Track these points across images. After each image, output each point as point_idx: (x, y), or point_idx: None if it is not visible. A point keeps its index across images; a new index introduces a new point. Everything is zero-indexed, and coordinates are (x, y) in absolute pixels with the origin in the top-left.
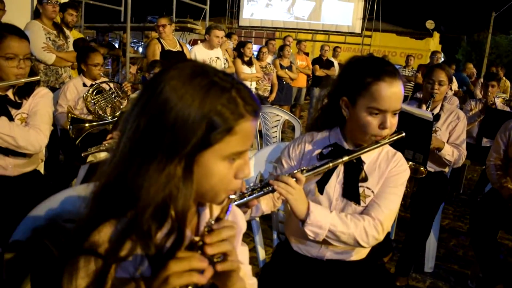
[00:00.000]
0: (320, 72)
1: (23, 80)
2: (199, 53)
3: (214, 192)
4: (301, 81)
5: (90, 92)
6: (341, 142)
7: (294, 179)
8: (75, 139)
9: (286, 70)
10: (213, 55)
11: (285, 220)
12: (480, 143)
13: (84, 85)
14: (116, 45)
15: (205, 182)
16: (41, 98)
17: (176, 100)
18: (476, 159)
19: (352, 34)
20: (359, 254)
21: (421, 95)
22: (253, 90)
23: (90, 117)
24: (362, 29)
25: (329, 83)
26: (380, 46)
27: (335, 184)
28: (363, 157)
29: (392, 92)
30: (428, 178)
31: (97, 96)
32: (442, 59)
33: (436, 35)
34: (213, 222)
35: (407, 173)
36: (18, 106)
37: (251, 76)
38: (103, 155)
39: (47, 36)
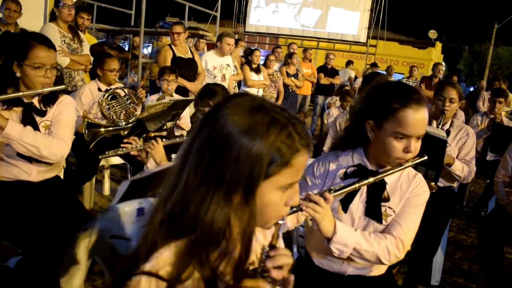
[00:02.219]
0: (324, 80)
1: (48, 89)
2: (210, 60)
3: (266, 219)
4: (306, 89)
5: (105, 97)
6: (365, 162)
7: (322, 198)
8: (89, 143)
9: (292, 78)
10: (223, 62)
11: (305, 235)
12: (484, 156)
13: (99, 90)
14: (126, 48)
15: (260, 210)
16: (65, 107)
17: (238, 136)
18: (479, 172)
19: (357, 43)
20: (378, 270)
21: (431, 110)
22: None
23: (103, 122)
24: (368, 38)
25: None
26: (383, 54)
27: (358, 203)
28: (385, 177)
29: (417, 119)
30: (437, 193)
31: (112, 101)
32: (444, 69)
33: (438, 45)
34: (267, 248)
35: (427, 194)
36: (42, 113)
37: (258, 83)
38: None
39: (62, 39)
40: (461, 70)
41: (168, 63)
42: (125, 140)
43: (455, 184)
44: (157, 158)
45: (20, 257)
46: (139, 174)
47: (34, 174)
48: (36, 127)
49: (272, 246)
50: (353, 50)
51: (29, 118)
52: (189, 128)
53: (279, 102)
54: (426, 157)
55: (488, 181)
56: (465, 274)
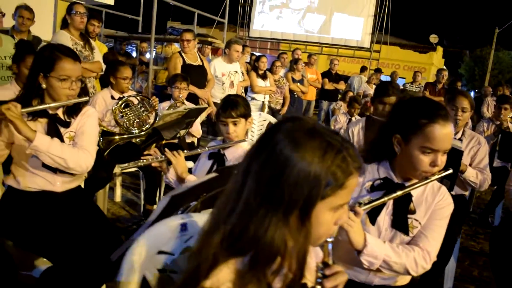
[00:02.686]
0: (329, 86)
1: (73, 100)
2: (219, 66)
3: (317, 237)
4: (311, 94)
5: (118, 105)
6: (391, 175)
7: (353, 212)
8: (103, 151)
9: (298, 83)
10: (232, 68)
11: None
12: (491, 163)
13: (112, 97)
14: (134, 54)
15: (313, 230)
16: (88, 118)
17: (297, 160)
18: None
19: (361, 48)
20: (403, 280)
21: None
22: (266, 103)
23: (117, 129)
24: (371, 43)
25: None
26: (385, 58)
27: (384, 215)
28: (411, 190)
29: (444, 134)
30: None
31: (126, 109)
32: (447, 75)
33: (440, 49)
34: (322, 266)
35: (451, 206)
36: (67, 125)
37: (265, 90)
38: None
39: (74, 47)
40: (462, 75)
41: (179, 70)
42: (146, 152)
43: (467, 192)
44: (178, 169)
45: (45, 266)
46: (178, 188)
47: (58, 184)
48: (61, 138)
49: (325, 264)
50: (356, 55)
51: (54, 129)
52: (200, 135)
53: (285, 108)
54: (451, 170)
55: (495, 187)
56: (476, 281)
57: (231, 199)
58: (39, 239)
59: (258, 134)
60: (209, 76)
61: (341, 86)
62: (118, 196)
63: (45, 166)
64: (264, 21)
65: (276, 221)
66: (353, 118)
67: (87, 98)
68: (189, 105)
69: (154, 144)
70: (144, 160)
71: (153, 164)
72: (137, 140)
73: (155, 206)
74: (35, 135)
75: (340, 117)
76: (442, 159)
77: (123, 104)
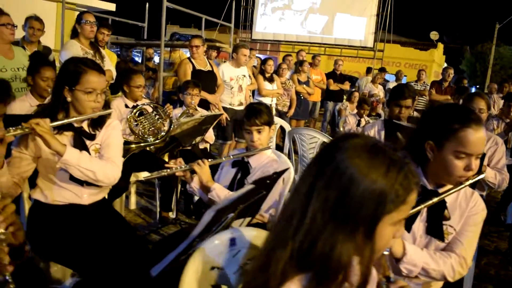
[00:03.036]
0: (334, 87)
1: (99, 113)
2: (227, 71)
3: (378, 251)
4: (316, 95)
5: (133, 113)
6: (424, 182)
7: None
8: None
9: (304, 85)
10: (239, 73)
11: None
12: None
13: (126, 106)
14: (139, 60)
15: (376, 244)
16: (113, 130)
17: (361, 179)
18: None
19: (364, 48)
20: (437, 285)
21: None
22: (273, 105)
23: (131, 138)
24: (375, 42)
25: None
26: (385, 57)
27: (419, 222)
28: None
29: (478, 138)
30: None
31: (140, 117)
32: (453, 73)
33: (440, 46)
34: (385, 280)
35: (484, 212)
36: (92, 137)
37: (272, 93)
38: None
39: (84, 56)
40: (464, 71)
41: (189, 77)
42: (171, 162)
43: (485, 193)
44: (203, 178)
45: (75, 279)
46: (221, 203)
47: (85, 197)
48: (87, 151)
49: (388, 278)
50: (360, 55)
51: (80, 142)
52: (213, 141)
53: (292, 109)
54: (484, 174)
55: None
56: (493, 279)
57: (296, 217)
58: (69, 253)
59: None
60: (219, 81)
61: (346, 86)
62: (133, 204)
63: (73, 179)
64: (267, 23)
65: (343, 238)
66: (362, 119)
67: (111, 110)
68: (203, 112)
69: (173, 152)
70: (168, 170)
71: (177, 174)
72: (151, 147)
73: (170, 213)
74: (65, 149)
75: (350, 119)
76: (476, 163)
77: (138, 112)
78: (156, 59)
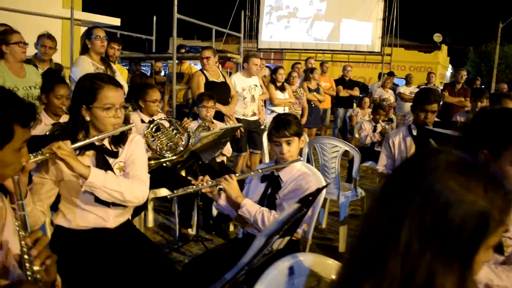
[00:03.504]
0: (344, 93)
1: (120, 129)
2: (238, 81)
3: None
4: (326, 102)
5: (150, 128)
6: None
7: None
8: None
9: (314, 93)
10: (251, 82)
11: None
12: None
13: (142, 121)
14: (147, 74)
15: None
16: (136, 145)
17: (459, 201)
18: None
19: (371, 53)
20: None
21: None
22: None
23: (148, 154)
24: (382, 47)
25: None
26: (392, 61)
27: None
28: None
29: None
30: None
31: (157, 133)
32: (466, 75)
33: (444, 48)
34: None
35: None
36: (115, 155)
37: (285, 102)
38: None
39: (96, 71)
40: (469, 71)
41: (202, 89)
42: (199, 178)
43: None
44: (232, 194)
45: None
46: (270, 227)
47: (111, 219)
48: (111, 170)
49: None
50: (367, 60)
51: (103, 161)
52: (230, 154)
53: (304, 118)
54: None
55: None
56: None
57: (382, 244)
58: (96, 280)
59: None
60: (233, 92)
61: (356, 92)
62: (150, 221)
63: (98, 201)
64: (272, 32)
65: (444, 265)
66: (378, 125)
67: (133, 124)
68: (220, 124)
69: (192, 167)
70: (194, 186)
71: (203, 190)
72: (167, 163)
73: (190, 230)
74: (90, 171)
75: (365, 125)
76: None
77: (155, 127)
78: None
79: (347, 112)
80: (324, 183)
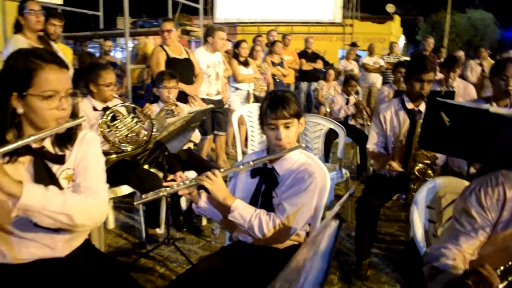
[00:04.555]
0: (307, 66)
1: (65, 125)
2: (202, 58)
3: None
4: (290, 77)
5: (105, 117)
6: None
7: None
8: None
9: (278, 67)
10: (216, 59)
11: None
12: None
13: (95, 109)
14: (97, 55)
15: None
16: (89, 146)
17: None
18: None
19: (333, 24)
20: None
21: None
22: (251, 91)
23: (105, 147)
24: (343, 18)
25: None
26: (346, 33)
27: None
28: None
29: None
30: None
31: (114, 122)
32: (433, 42)
33: (397, 18)
34: None
35: None
36: (60, 160)
37: (250, 77)
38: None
39: None
40: (420, 41)
41: (163, 66)
42: (169, 178)
43: None
44: (219, 196)
45: None
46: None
47: (59, 246)
48: (55, 182)
49: None
50: (329, 32)
51: (43, 170)
52: (199, 140)
53: None
54: None
55: None
56: None
57: None
58: None
59: (258, 129)
60: (197, 70)
61: (319, 65)
62: (111, 223)
63: (39, 225)
64: (229, 6)
65: None
66: (351, 98)
67: (83, 118)
68: (186, 108)
69: (158, 159)
70: (167, 188)
71: (180, 192)
72: (138, 158)
73: (158, 230)
74: (22, 189)
75: (337, 98)
76: None
77: (110, 116)
78: (118, 54)
79: (310, 86)
80: (328, 174)
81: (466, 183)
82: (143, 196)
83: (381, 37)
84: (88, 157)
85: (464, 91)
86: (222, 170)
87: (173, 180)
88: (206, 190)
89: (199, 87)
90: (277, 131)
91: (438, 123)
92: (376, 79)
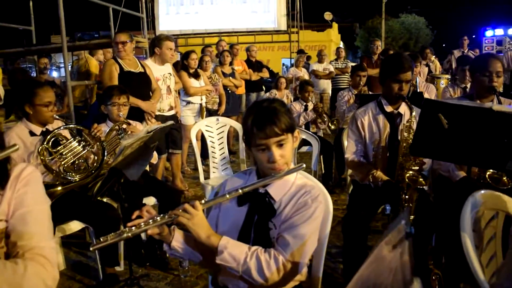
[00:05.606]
0: (255, 76)
1: None
2: (152, 71)
3: None
4: (241, 88)
5: (45, 143)
6: None
7: None
8: None
9: (230, 77)
10: (165, 71)
11: None
12: None
13: (32, 133)
14: (33, 74)
15: None
16: (27, 187)
17: None
18: None
19: (278, 32)
20: None
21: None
22: (203, 104)
23: (47, 178)
24: (288, 27)
25: None
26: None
27: None
28: None
29: None
30: None
31: (58, 147)
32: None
33: (335, 26)
34: None
35: None
36: None
37: (202, 90)
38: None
39: None
40: (359, 47)
41: (116, 81)
42: (134, 215)
43: None
44: (201, 233)
45: None
46: None
47: None
48: None
49: None
50: (274, 40)
51: None
52: (156, 161)
53: (223, 107)
54: None
55: None
56: None
57: None
58: None
59: (219, 145)
60: (154, 84)
61: (266, 74)
62: (61, 264)
63: None
64: (171, 20)
65: None
66: (309, 104)
67: (17, 146)
68: (140, 126)
69: (113, 188)
70: (133, 228)
71: (149, 232)
72: (90, 187)
73: (118, 268)
74: None
75: (295, 106)
76: None
77: (52, 140)
78: (54, 73)
79: (259, 96)
80: (329, 196)
81: (506, 197)
82: (102, 239)
83: (322, 44)
84: (26, 203)
85: (426, 90)
86: (203, 201)
87: (139, 217)
88: (181, 227)
89: (156, 103)
90: (269, 153)
91: (434, 126)
92: (327, 85)
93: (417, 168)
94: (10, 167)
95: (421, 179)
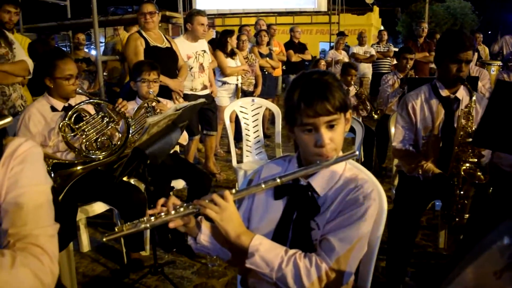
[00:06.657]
0: (296, 58)
1: None
2: (182, 48)
3: None
4: (278, 69)
5: (67, 119)
6: None
7: None
8: (58, 193)
9: (267, 58)
10: (198, 48)
11: None
12: None
13: (53, 109)
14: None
15: None
16: (23, 165)
17: None
18: None
19: (318, 13)
20: None
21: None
22: (239, 85)
23: (69, 156)
24: (329, 8)
25: None
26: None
27: None
28: None
29: None
30: None
31: (80, 124)
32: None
33: (376, 9)
34: None
35: None
36: None
37: (237, 70)
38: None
39: None
40: (400, 32)
41: (141, 56)
42: (159, 203)
43: None
44: (231, 231)
45: None
46: None
47: None
48: None
49: None
50: (314, 22)
51: None
52: (186, 142)
53: (259, 88)
54: None
55: None
56: None
57: None
58: None
59: (254, 127)
60: (181, 61)
61: (308, 56)
62: (86, 246)
63: None
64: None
65: None
66: (351, 88)
67: (10, 118)
68: (170, 104)
69: (139, 169)
70: (153, 219)
71: (171, 225)
72: (114, 168)
73: (143, 252)
74: None
75: None
76: None
77: (74, 116)
78: (93, 52)
79: None
80: (383, 192)
81: None
82: (116, 229)
83: (362, 28)
84: (21, 183)
85: (479, 76)
86: (234, 191)
87: (163, 206)
88: (208, 218)
89: (183, 81)
90: (316, 134)
91: (507, 113)
92: (368, 69)
93: (475, 160)
94: (6, 142)
95: (479, 173)
